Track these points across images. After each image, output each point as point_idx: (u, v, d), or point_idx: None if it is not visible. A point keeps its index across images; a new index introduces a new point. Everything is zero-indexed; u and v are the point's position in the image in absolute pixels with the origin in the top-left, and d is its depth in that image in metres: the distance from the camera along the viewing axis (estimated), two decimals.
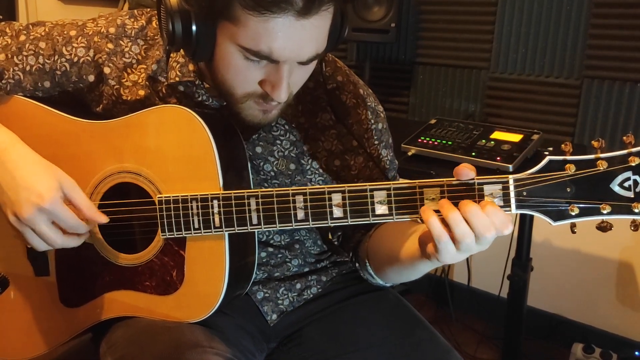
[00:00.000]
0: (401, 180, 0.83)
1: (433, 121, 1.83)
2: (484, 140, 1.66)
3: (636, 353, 1.99)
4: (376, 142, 1.09)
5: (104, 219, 0.95)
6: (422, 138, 1.72)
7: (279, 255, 1.11)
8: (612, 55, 1.88)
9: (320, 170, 1.07)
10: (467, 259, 2.37)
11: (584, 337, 2.09)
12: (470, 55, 2.18)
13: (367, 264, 1.05)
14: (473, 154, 1.61)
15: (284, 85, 0.87)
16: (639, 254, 2.01)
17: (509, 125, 1.85)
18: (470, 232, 0.77)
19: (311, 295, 1.14)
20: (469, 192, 0.80)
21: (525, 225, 1.77)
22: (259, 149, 1.04)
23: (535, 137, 1.64)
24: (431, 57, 2.29)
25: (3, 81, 1.02)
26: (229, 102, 0.94)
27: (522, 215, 1.77)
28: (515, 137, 1.65)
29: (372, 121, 1.08)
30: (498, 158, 1.56)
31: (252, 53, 0.84)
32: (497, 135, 1.68)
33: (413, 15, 2.29)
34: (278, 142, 1.04)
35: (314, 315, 1.11)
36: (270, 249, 1.10)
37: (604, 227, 0.78)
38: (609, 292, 2.09)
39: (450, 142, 1.68)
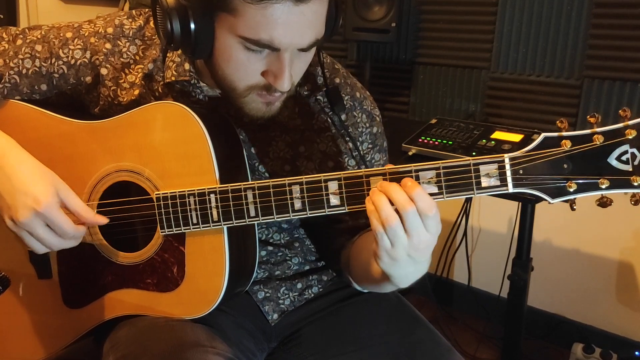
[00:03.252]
0: (397, 165, 0.82)
1: (434, 121, 1.83)
2: (484, 140, 1.66)
3: (636, 353, 1.99)
4: (370, 146, 1.09)
5: (103, 220, 0.96)
6: (423, 138, 1.72)
7: (279, 254, 1.11)
8: (612, 55, 1.87)
9: (315, 172, 1.07)
10: (468, 259, 2.37)
11: (584, 337, 2.09)
12: (471, 55, 2.18)
13: (346, 272, 1.06)
14: (473, 153, 1.61)
15: (287, 73, 0.87)
16: (639, 254, 2.01)
17: (509, 125, 1.86)
18: (395, 215, 0.77)
19: (312, 295, 1.14)
20: (465, 174, 0.79)
21: (525, 225, 1.77)
22: (254, 149, 1.04)
23: (535, 137, 1.63)
24: (432, 56, 2.29)
25: (0, 85, 1.02)
26: (231, 97, 0.94)
27: (522, 214, 1.77)
28: (516, 137, 1.65)
29: (367, 125, 1.08)
30: None
31: (252, 42, 0.84)
32: (498, 135, 1.68)
33: (413, 15, 2.29)
34: (274, 142, 1.04)
35: (315, 315, 1.11)
36: (270, 247, 1.10)
37: (604, 203, 0.77)
38: (609, 292, 2.09)
39: (450, 142, 1.68)
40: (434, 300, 2.47)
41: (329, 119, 1.06)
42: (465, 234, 2.32)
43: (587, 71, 1.93)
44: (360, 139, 1.08)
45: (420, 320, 1.08)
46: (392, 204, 0.78)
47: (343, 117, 1.06)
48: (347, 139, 1.06)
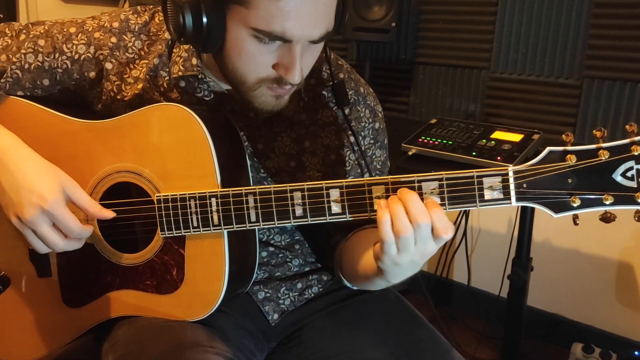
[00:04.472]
0: (400, 175, 0.83)
1: (433, 121, 1.83)
2: (484, 140, 1.66)
3: (636, 353, 1.99)
4: (371, 142, 1.09)
5: (109, 214, 0.95)
6: (423, 138, 1.72)
7: (280, 255, 1.11)
8: (612, 56, 1.87)
9: (318, 166, 1.07)
10: (467, 259, 2.37)
11: (583, 337, 2.09)
12: (471, 55, 2.18)
13: (338, 270, 1.06)
14: (473, 153, 1.61)
15: (298, 66, 0.87)
16: (639, 254, 2.01)
17: (509, 125, 1.85)
18: (409, 226, 0.77)
19: (312, 295, 1.14)
20: (468, 186, 0.79)
21: (525, 225, 1.77)
22: (260, 146, 1.04)
23: (535, 137, 1.64)
24: (431, 56, 2.29)
25: (2, 80, 1.02)
26: (241, 91, 0.94)
27: (522, 215, 1.77)
28: (516, 137, 1.65)
29: (370, 120, 1.09)
30: (499, 158, 1.56)
31: (265, 34, 0.84)
32: (498, 135, 1.68)
33: (413, 15, 2.29)
34: (279, 138, 1.04)
35: (315, 315, 1.11)
36: (271, 249, 1.10)
37: (607, 218, 0.77)
38: (608, 292, 2.09)
39: (450, 142, 1.68)
40: (434, 300, 2.48)
41: (333, 114, 1.06)
42: (465, 233, 2.32)
43: (587, 71, 1.93)
44: (362, 133, 1.08)
45: (420, 319, 1.08)
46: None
47: (347, 111, 1.06)
48: (350, 132, 1.06)
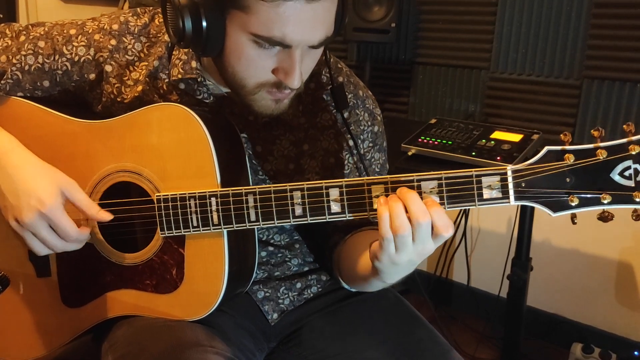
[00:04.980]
0: (399, 174, 0.83)
1: (433, 121, 1.83)
2: (484, 140, 1.66)
3: (635, 353, 1.99)
4: (370, 145, 1.09)
5: (107, 216, 0.96)
6: (423, 138, 1.73)
7: (279, 255, 1.11)
8: (612, 56, 1.88)
9: (317, 169, 1.07)
10: (467, 259, 2.37)
11: (583, 337, 2.09)
12: (471, 55, 2.18)
13: (336, 271, 1.06)
14: (473, 153, 1.61)
15: (297, 70, 0.87)
16: (638, 254, 2.01)
17: (509, 125, 1.86)
18: (408, 224, 0.77)
19: (311, 295, 1.14)
20: (467, 185, 0.79)
21: (525, 225, 1.77)
22: (259, 148, 1.04)
23: (535, 137, 1.64)
24: (431, 57, 2.29)
25: (2, 81, 1.02)
26: (240, 95, 0.94)
27: (522, 214, 1.77)
28: (516, 137, 1.65)
29: (369, 123, 1.09)
30: (498, 158, 1.56)
31: (264, 39, 0.84)
32: (497, 135, 1.68)
33: (413, 15, 2.29)
34: (278, 141, 1.04)
35: (314, 314, 1.11)
36: (271, 248, 1.10)
37: (605, 217, 0.77)
38: (608, 292, 2.09)
39: (450, 142, 1.68)
40: (434, 300, 2.48)
41: (332, 117, 1.06)
42: (464, 233, 2.32)
43: (586, 71, 1.93)
44: (361, 137, 1.08)
45: (419, 319, 1.08)
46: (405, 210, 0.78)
47: (346, 114, 1.06)
48: (349, 136, 1.06)
